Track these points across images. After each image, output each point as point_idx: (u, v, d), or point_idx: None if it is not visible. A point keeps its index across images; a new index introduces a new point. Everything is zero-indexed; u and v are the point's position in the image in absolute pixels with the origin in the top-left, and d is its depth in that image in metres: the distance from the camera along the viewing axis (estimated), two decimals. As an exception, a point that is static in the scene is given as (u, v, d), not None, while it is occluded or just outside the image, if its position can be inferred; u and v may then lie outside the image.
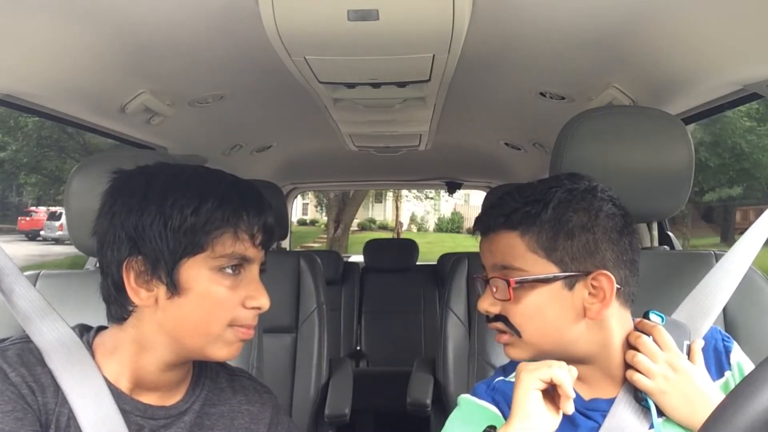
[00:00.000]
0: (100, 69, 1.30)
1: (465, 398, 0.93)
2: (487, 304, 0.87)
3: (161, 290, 0.78)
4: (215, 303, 0.79)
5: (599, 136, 1.16)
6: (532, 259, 0.84)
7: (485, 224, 0.89)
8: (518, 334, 0.85)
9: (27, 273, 1.21)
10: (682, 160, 1.13)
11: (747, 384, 0.48)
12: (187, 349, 0.81)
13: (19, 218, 16.80)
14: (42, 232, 16.09)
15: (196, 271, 0.78)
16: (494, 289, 0.86)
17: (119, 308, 0.81)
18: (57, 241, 15.00)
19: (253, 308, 0.81)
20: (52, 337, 0.80)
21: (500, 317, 0.86)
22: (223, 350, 0.81)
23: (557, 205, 0.84)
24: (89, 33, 1.15)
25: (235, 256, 0.79)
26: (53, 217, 15.66)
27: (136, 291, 0.78)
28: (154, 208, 0.77)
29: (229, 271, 0.79)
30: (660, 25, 1.12)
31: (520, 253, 0.84)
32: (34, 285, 1.18)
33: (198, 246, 0.77)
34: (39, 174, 13.24)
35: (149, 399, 0.83)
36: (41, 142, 11.91)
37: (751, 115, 9.81)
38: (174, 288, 0.77)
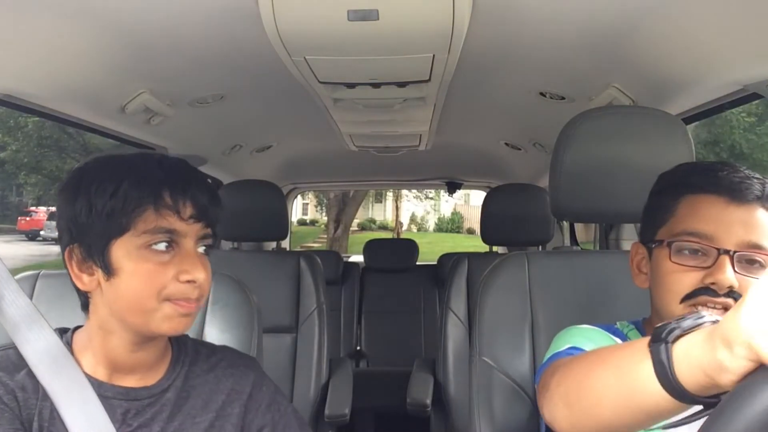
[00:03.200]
0: (100, 69, 1.30)
1: (590, 327, 0.96)
2: (733, 277, 0.83)
3: (100, 273, 0.82)
4: (145, 279, 0.80)
5: (599, 136, 1.16)
6: None
7: (752, 193, 0.86)
8: None
9: (26, 273, 1.21)
10: (683, 159, 1.13)
11: (747, 384, 0.48)
12: (135, 326, 0.83)
13: (19, 218, 16.79)
14: (42, 232, 16.07)
15: (124, 251, 0.80)
16: (739, 263, 0.84)
17: (81, 297, 0.86)
18: (57, 241, 14.95)
19: (187, 282, 0.81)
20: (39, 346, 0.82)
21: (735, 293, 0.83)
22: (165, 324, 0.82)
23: None
24: (89, 33, 1.15)
25: (159, 230, 0.80)
26: (53, 217, 15.66)
27: (78, 277, 0.83)
28: (83, 197, 0.81)
29: (160, 247, 0.81)
30: (660, 25, 1.12)
31: None
32: (34, 285, 1.19)
33: (122, 226, 0.79)
34: (39, 174, 13.24)
35: (130, 382, 0.86)
36: (41, 142, 11.90)
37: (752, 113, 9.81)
38: (108, 270, 0.81)
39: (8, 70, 1.16)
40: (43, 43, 1.12)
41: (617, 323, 1.02)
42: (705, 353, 0.52)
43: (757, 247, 0.84)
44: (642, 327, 1.00)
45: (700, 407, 0.55)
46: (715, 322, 0.55)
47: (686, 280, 0.85)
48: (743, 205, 0.85)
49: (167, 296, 0.81)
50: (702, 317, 0.57)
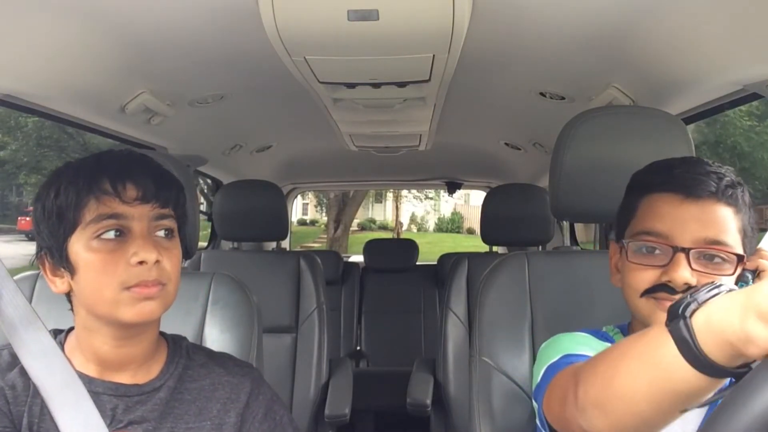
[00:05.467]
0: (100, 69, 1.30)
1: (578, 332, 0.96)
2: (689, 275, 0.83)
3: (67, 274, 0.83)
4: (98, 269, 0.81)
5: (599, 136, 1.16)
6: (737, 240, 0.85)
7: (706, 189, 0.85)
8: None
9: (26, 273, 1.21)
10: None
11: (746, 384, 0.48)
12: (106, 319, 0.83)
13: (19, 218, 16.75)
14: (42, 232, 16.00)
15: (78, 246, 0.82)
16: (696, 260, 0.84)
17: (67, 301, 0.87)
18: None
19: (139, 264, 0.81)
20: (35, 346, 0.82)
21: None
22: (129, 312, 0.81)
23: (746, 190, 0.87)
24: (90, 33, 1.15)
25: (102, 217, 0.81)
26: (53, 217, 15.55)
27: (52, 281, 0.85)
28: (39, 204, 0.84)
29: (109, 235, 0.81)
30: (660, 25, 1.12)
31: (732, 230, 0.85)
32: (34, 285, 1.19)
33: (71, 223, 0.81)
34: (39, 174, 13.22)
35: (121, 378, 0.87)
36: (41, 142, 11.88)
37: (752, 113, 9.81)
38: (70, 268, 0.82)
39: (8, 70, 1.15)
40: (43, 43, 1.12)
41: (603, 327, 1.01)
42: (730, 324, 0.50)
43: (715, 243, 0.84)
44: (627, 331, 0.99)
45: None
46: (730, 290, 0.54)
47: (645, 277, 0.87)
48: (698, 202, 0.85)
49: (124, 283, 0.81)
50: (717, 288, 0.55)
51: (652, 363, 0.57)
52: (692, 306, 0.54)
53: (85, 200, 0.81)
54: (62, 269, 0.83)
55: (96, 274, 0.81)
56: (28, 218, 16.65)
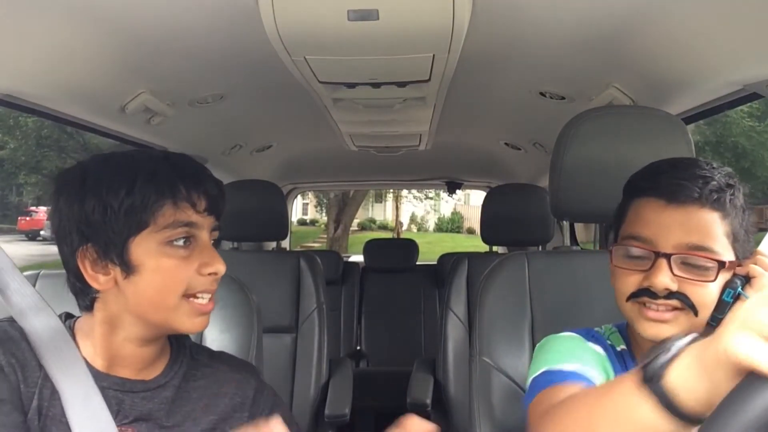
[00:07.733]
0: (100, 69, 1.30)
1: (566, 333, 0.96)
2: (669, 280, 0.84)
3: (117, 272, 0.81)
4: (169, 275, 0.81)
5: (599, 135, 1.16)
6: (724, 245, 0.85)
7: (688, 195, 0.85)
8: (696, 313, 0.84)
9: (27, 273, 1.21)
10: (682, 160, 1.13)
11: (745, 385, 0.48)
12: (153, 324, 0.84)
13: (19, 218, 16.77)
14: (42, 232, 16.03)
15: (145, 247, 0.80)
16: (678, 266, 0.84)
17: (85, 298, 0.85)
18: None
19: (209, 274, 0.83)
20: (45, 335, 0.82)
21: (676, 295, 0.85)
22: (187, 322, 0.84)
23: (739, 193, 0.86)
24: (89, 33, 1.15)
25: (178, 223, 0.81)
26: (53, 217, 15.54)
27: (94, 277, 0.82)
28: (93, 196, 0.80)
29: (180, 243, 0.82)
30: (660, 25, 1.12)
31: (718, 235, 0.84)
32: (34, 285, 1.18)
33: (141, 222, 0.80)
34: (39, 174, 13.22)
35: (126, 373, 0.86)
36: (40, 142, 11.89)
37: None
38: (128, 267, 0.80)
39: (8, 70, 1.15)
40: (43, 43, 1.12)
41: (600, 327, 1.02)
42: (702, 381, 0.52)
43: (698, 249, 0.84)
44: (624, 329, 1.00)
45: None
46: (691, 341, 0.56)
47: (630, 281, 0.88)
48: (681, 207, 0.85)
49: (189, 291, 0.82)
50: (672, 346, 0.57)
51: (632, 422, 0.59)
52: (659, 371, 0.56)
53: (162, 204, 0.80)
54: (110, 265, 0.81)
55: (164, 279, 0.81)
56: (28, 218, 16.66)
